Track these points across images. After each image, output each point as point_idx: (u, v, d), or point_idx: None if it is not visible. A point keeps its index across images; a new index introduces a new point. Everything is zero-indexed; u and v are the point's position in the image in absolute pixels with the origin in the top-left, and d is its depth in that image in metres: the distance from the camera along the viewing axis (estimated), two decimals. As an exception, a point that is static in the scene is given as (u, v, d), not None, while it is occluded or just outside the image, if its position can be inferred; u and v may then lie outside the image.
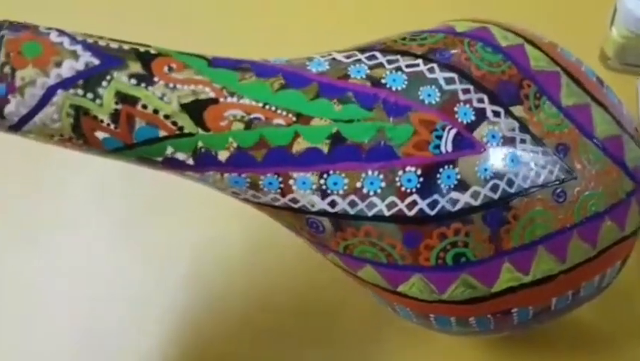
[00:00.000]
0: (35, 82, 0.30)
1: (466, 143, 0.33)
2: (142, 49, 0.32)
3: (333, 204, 0.33)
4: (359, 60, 0.35)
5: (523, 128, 0.34)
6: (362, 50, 0.35)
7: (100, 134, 0.32)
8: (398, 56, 0.35)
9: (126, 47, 0.32)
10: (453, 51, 0.35)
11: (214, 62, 0.33)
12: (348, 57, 0.35)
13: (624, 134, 0.36)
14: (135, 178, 0.47)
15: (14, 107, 0.31)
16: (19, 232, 0.48)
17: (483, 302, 0.35)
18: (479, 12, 0.41)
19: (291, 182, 0.33)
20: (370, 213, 0.33)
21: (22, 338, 0.45)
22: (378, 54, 0.35)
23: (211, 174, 0.33)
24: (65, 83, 0.31)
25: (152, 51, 0.33)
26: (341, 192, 0.33)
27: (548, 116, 0.34)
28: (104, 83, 0.31)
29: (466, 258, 0.34)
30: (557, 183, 0.34)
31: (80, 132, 0.32)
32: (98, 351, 0.44)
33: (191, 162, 0.33)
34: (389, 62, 0.35)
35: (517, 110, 0.34)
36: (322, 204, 0.33)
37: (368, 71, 0.34)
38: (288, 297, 0.45)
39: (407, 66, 0.34)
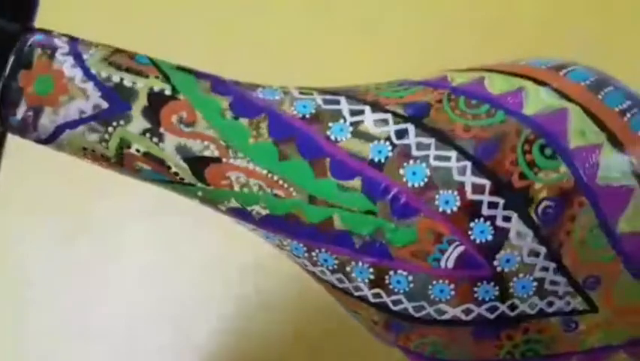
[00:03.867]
0: (46, 118, 0.31)
1: (471, 263, 0.30)
2: (157, 87, 0.31)
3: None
4: (388, 138, 0.30)
5: (551, 255, 0.30)
6: (398, 116, 0.31)
7: (108, 169, 0.32)
8: (432, 140, 0.30)
9: (140, 84, 0.31)
10: (496, 145, 0.30)
11: (234, 108, 0.31)
12: (377, 124, 0.31)
13: None
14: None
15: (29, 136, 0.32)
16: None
17: None
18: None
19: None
20: (356, 294, 0.32)
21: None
22: (411, 127, 0.31)
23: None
24: (72, 124, 0.31)
25: (167, 92, 0.31)
26: (330, 268, 0.32)
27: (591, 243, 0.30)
28: (110, 129, 0.31)
29: None
30: (571, 314, 0.31)
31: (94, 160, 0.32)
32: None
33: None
34: (419, 146, 0.30)
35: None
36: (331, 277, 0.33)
37: (390, 154, 0.30)
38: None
39: (436, 158, 0.30)
